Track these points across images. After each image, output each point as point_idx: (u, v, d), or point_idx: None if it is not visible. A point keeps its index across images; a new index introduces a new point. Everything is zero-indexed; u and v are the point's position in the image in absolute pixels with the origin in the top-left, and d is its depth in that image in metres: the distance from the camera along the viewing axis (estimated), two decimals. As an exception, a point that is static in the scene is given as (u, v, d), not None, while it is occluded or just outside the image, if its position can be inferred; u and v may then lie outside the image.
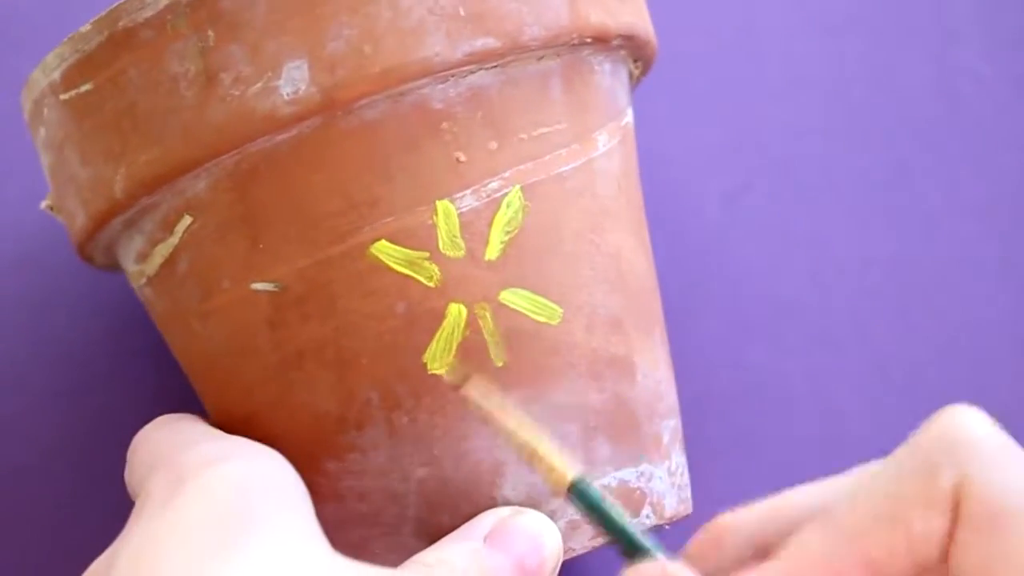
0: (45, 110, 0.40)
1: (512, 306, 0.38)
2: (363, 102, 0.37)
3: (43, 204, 0.43)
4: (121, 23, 0.37)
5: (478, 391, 0.37)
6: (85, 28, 0.38)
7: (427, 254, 0.37)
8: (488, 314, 0.38)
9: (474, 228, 0.38)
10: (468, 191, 0.38)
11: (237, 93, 0.36)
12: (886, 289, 0.51)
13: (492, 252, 0.38)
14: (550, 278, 0.38)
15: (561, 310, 0.38)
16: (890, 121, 0.53)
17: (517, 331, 0.38)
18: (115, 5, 0.38)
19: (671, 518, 0.40)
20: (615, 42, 0.40)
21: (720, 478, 0.47)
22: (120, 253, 0.41)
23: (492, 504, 0.38)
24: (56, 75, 0.39)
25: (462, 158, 0.38)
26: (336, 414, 0.38)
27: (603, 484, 0.39)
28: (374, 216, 0.37)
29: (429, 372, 0.37)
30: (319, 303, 0.37)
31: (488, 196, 0.38)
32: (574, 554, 0.38)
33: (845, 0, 0.54)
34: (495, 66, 0.38)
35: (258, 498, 0.33)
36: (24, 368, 0.50)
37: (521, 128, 0.38)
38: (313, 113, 0.36)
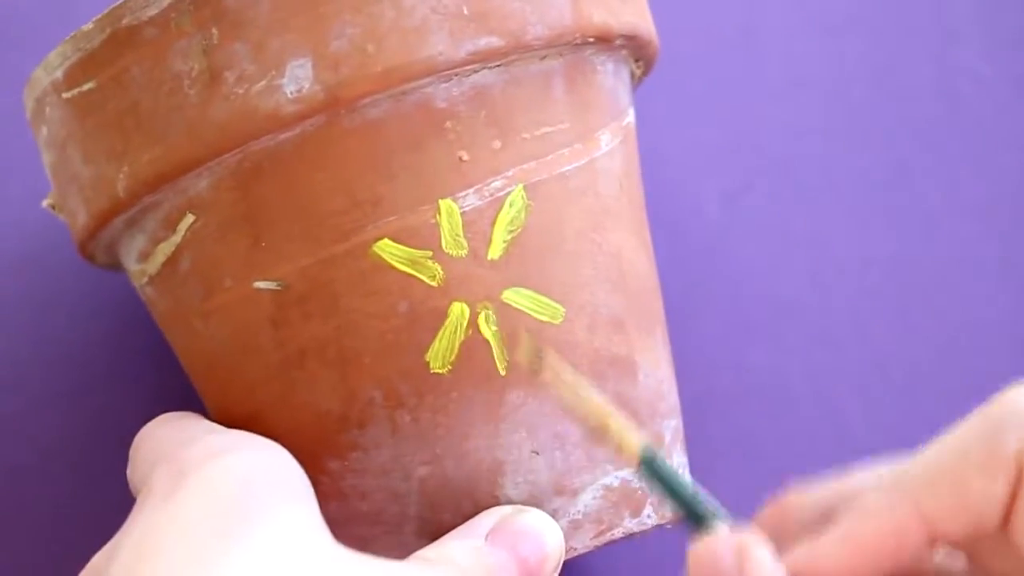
0: (47, 108, 0.40)
1: (514, 305, 0.38)
2: (366, 101, 0.37)
3: (45, 203, 0.43)
4: (124, 21, 0.37)
5: (552, 370, 0.36)
6: (88, 26, 0.38)
7: (430, 253, 0.37)
8: (490, 313, 0.38)
9: (477, 227, 0.38)
10: (471, 190, 0.38)
11: (241, 91, 0.36)
12: (886, 289, 0.51)
13: (495, 251, 0.38)
14: (552, 277, 0.38)
15: (563, 309, 0.38)
16: (890, 121, 0.53)
17: (519, 330, 0.38)
18: (118, 3, 0.37)
19: (672, 518, 0.40)
20: (617, 42, 0.40)
21: (721, 478, 0.47)
22: (122, 252, 0.41)
23: (494, 503, 0.38)
24: (59, 73, 0.39)
25: (465, 157, 0.38)
26: (338, 413, 0.38)
27: (605, 484, 0.39)
28: (377, 215, 0.37)
29: (431, 371, 0.37)
30: (321, 302, 0.37)
31: (491, 195, 0.38)
32: (576, 553, 0.38)
33: (845, 0, 0.54)
34: (498, 65, 0.38)
35: (261, 490, 0.33)
36: (24, 368, 0.50)
37: (524, 127, 0.38)
38: (316, 112, 0.36)
